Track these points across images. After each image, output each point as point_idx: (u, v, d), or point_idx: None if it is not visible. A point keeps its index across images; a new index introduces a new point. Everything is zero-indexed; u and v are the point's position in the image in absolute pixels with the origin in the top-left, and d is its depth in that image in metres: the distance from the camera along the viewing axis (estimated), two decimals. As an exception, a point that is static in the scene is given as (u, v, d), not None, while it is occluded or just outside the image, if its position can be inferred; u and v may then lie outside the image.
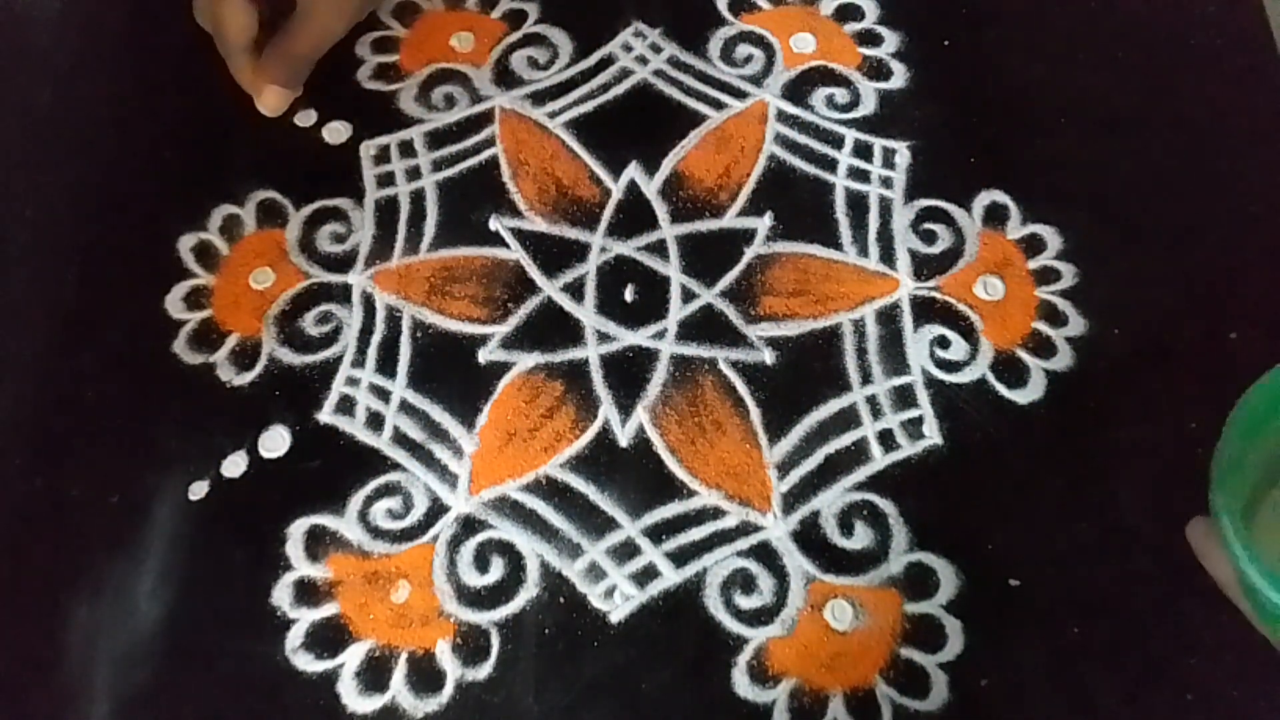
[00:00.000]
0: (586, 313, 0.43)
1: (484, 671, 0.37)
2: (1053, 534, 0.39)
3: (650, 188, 0.46)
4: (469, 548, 0.39)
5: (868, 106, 0.48)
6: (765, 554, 0.39)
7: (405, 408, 0.42)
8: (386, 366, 0.42)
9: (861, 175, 0.47)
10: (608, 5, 0.51)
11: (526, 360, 0.42)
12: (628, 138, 0.47)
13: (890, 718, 0.36)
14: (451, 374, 0.42)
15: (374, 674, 0.37)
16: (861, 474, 0.40)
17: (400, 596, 0.38)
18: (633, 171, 0.46)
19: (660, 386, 0.42)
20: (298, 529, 0.39)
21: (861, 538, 0.39)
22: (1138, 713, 0.37)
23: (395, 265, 0.45)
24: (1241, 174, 0.47)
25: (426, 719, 0.36)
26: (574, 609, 0.38)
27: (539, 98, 0.49)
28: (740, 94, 0.49)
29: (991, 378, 0.42)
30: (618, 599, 0.38)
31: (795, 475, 0.40)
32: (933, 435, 0.41)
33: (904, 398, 0.42)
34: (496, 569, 0.39)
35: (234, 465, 0.40)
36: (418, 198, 0.46)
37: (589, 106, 0.48)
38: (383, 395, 0.42)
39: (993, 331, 0.43)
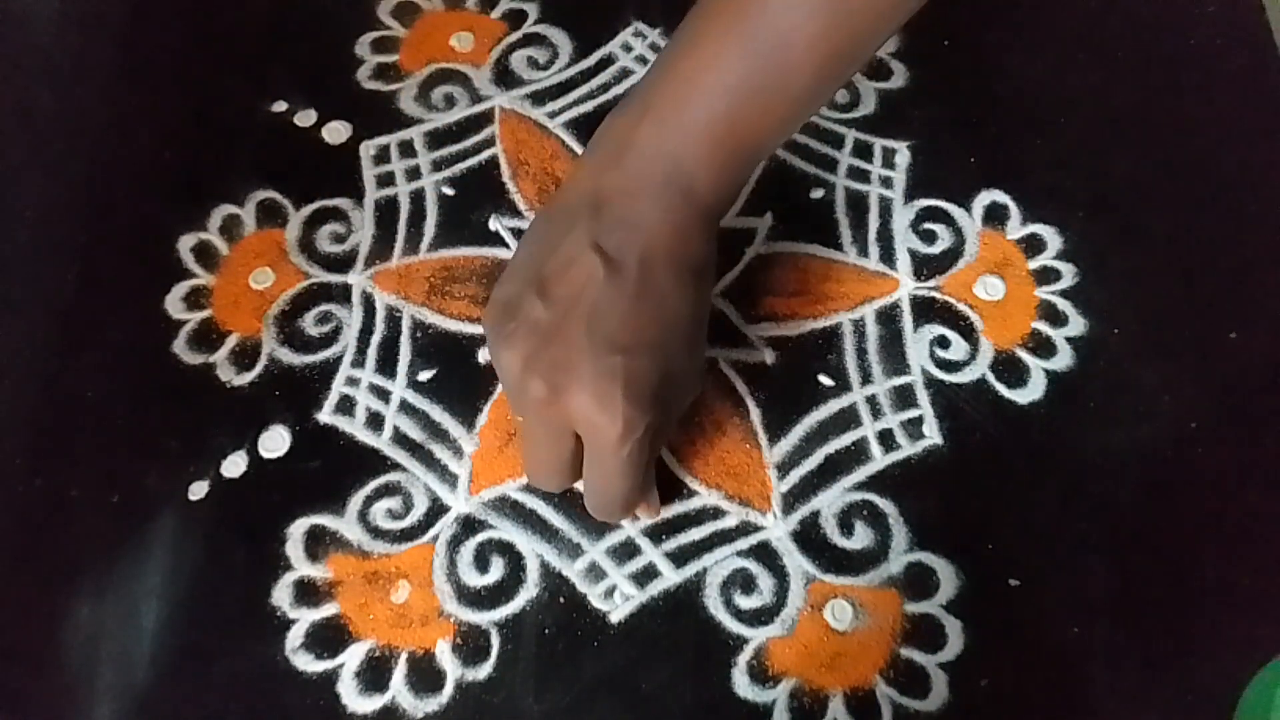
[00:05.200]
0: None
1: (484, 671, 0.37)
2: (1053, 534, 0.39)
3: (650, 188, 0.46)
4: (469, 548, 0.39)
5: (868, 106, 0.48)
6: (765, 554, 0.39)
7: (405, 408, 0.42)
8: (386, 366, 0.42)
9: (861, 175, 0.47)
10: (608, 5, 0.51)
11: (526, 360, 0.42)
12: (628, 138, 0.47)
13: (890, 718, 0.36)
14: (451, 374, 0.42)
15: (374, 674, 0.37)
16: (861, 474, 0.40)
17: (400, 596, 0.38)
18: (633, 171, 0.46)
19: (660, 386, 0.42)
20: (298, 529, 0.39)
21: (861, 538, 0.39)
22: (1138, 713, 0.37)
23: (395, 265, 0.45)
24: (1241, 174, 0.47)
25: (426, 719, 0.36)
26: (574, 609, 0.38)
27: (539, 98, 0.49)
28: (740, 94, 0.48)
29: (991, 378, 0.42)
30: (618, 599, 0.38)
31: (795, 475, 0.40)
32: (933, 435, 0.41)
33: (904, 397, 0.42)
34: (496, 569, 0.39)
35: (234, 465, 0.40)
36: (417, 198, 0.46)
37: (589, 106, 0.48)
38: (382, 395, 0.42)
39: (993, 331, 0.43)
